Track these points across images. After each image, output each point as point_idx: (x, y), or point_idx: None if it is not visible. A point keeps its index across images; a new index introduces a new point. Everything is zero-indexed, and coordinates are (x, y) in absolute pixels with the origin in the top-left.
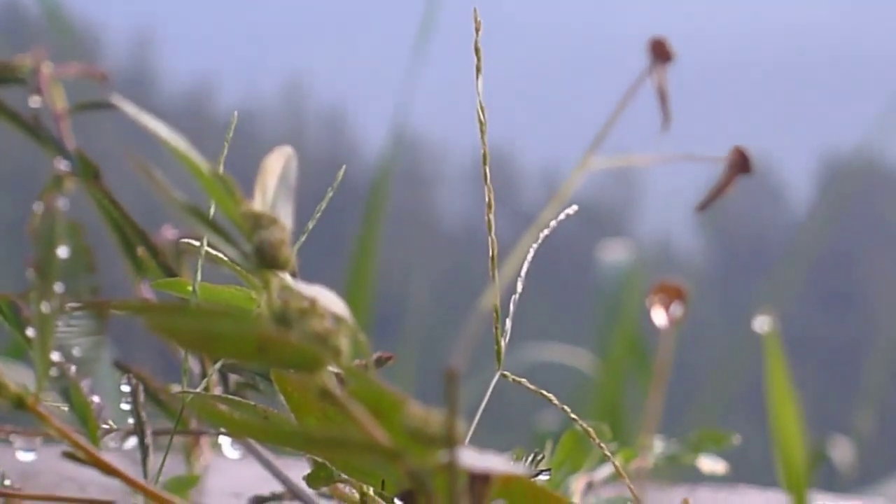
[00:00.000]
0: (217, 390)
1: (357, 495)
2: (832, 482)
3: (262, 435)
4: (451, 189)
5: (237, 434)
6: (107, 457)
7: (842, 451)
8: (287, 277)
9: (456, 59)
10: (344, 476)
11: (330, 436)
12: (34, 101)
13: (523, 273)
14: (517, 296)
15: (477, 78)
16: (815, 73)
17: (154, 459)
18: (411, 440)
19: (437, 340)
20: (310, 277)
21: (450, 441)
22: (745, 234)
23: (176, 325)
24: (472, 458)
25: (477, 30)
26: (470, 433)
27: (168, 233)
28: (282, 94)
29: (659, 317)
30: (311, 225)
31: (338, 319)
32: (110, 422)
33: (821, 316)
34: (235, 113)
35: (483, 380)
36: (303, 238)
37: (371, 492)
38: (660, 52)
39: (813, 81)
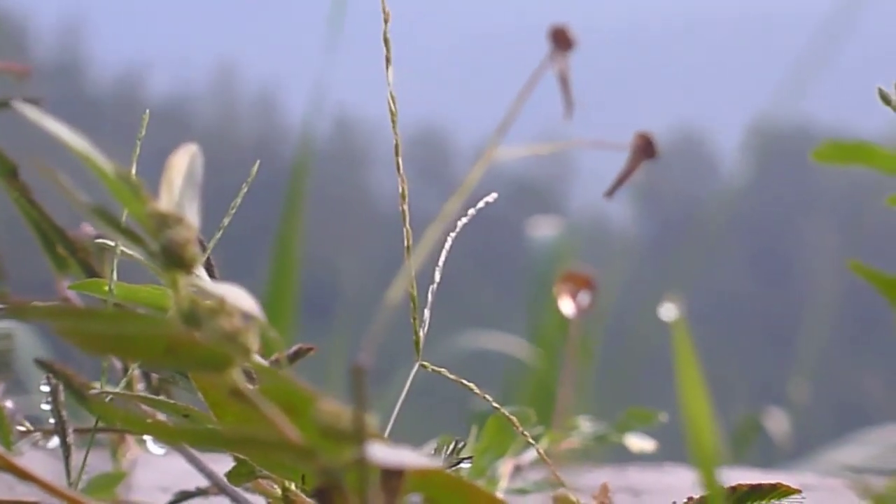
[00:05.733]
0: (140, 387)
1: (279, 490)
2: (768, 454)
3: (173, 436)
4: (387, 170)
5: (150, 435)
6: (33, 457)
7: (777, 423)
8: (200, 276)
9: (392, 38)
10: (265, 472)
11: (243, 435)
12: None
13: (441, 263)
14: (435, 286)
15: (387, 68)
16: (740, 40)
17: (79, 457)
18: (323, 437)
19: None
20: (246, 267)
21: (359, 437)
22: (679, 206)
23: (84, 329)
24: (383, 454)
25: (385, 20)
26: (406, 420)
27: (88, 230)
28: (213, 79)
29: (566, 306)
30: (226, 221)
31: (248, 317)
32: (26, 423)
33: (754, 285)
34: (147, 111)
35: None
36: (218, 235)
37: (293, 486)
38: (561, 40)
39: (738, 48)
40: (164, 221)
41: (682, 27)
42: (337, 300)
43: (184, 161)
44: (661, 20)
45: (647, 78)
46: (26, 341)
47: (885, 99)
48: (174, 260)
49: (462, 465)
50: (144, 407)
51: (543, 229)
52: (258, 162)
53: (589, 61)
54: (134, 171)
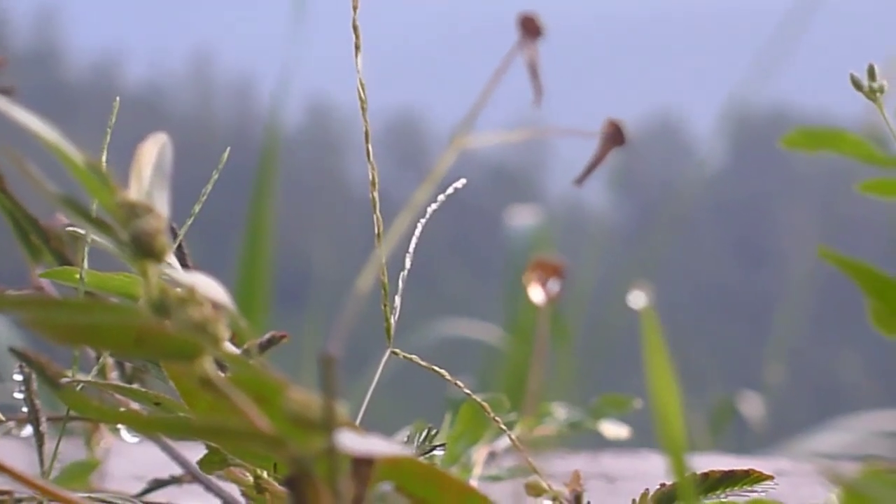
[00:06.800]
0: (113, 375)
1: (251, 478)
2: (743, 438)
3: (145, 425)
4: (363, 155)
5: (122, 424)
6: (6, 445)
7: (752, 407)
8: (172, 264)
9: (368, 21)
10: (237, 460)
11: (214, 424)
12: None
13: (411, 250)
14: (405, 273)
15: (356, 56)
16: (715, 25)
17: (52, 445)
18: (293, 426)
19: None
20: (223, 254)
21: (329, 426)
22: (656, 192)
23: (52, 320)
24: (353, 442)
25: (354, 7)
26: (383, 408)
27: (61, 219)
28: (190, 66)
29: (536, 294)
30: (197, 208)
31: (218, 306)
32: None
33: (731, 269)
34: (119, 99)
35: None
36: (189, 222)
37: (265, 474)
38: (529, 28)
39: (714, 34)
40: (134, 211)
41: (657, 13)
42: (312, 287)
43: (153, 151)
44: (635, 7)
45: (626, 65)
46: (2, 329)
47: (858, 85)
48: (143, 249)
49: (435, 452)
50: (117, 396)
51: (521, 217)
52: (229, 149)
53: (566, 48)
54: (105, 159)
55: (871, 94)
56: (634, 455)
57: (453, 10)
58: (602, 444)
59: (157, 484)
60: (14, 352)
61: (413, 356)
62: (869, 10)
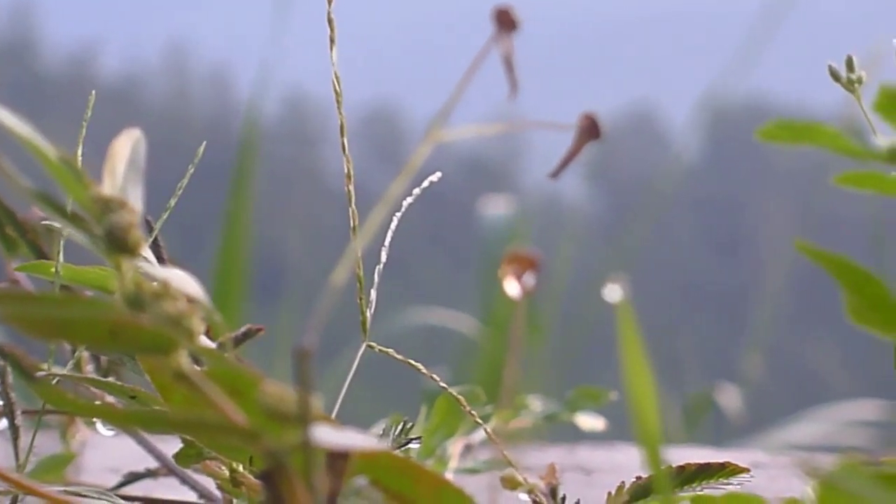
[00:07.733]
0: (89, 368)
1: (227, 472)
2: (721, 430)
3: (121, 419)
4: (339, 147)
5: (98, 418)
6: None
7: (730, 399)
8: (147, 258)
9: (346, 15)
10: (213, 453)
11: (188, 418)
12: None
13: (387, 244)
14: (381, 266)
15: (331, 48)
16: (693, 16)
17: (28, 439)
18: (268, 419)
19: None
20: (201, 247)
21: (304, 419)
22: (632, 184)
23: (27, 314)
24: (328, 436)
25: (329, 0)
26: (361, 400)
27: (38, 212)
28: (166, 57)
29: (511, 287)
30: (173, 202)
31: (192, 300)
32: None
33: (708, 261)
34: (94, 92)
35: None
36: (165, 216)
37: (241, 468)
38: (504, 21)
39: (691, 25)
40: (107, 206)
41: (633, 7)
42: (288, 280)
43: (127, 145)
44: (611, 1)
45: (601, 58)
46: None
47: (836, 76)
48: (117, 244)
49: (411, 445)
50: (93, 389)
51: (495, 207)
52: (205, 143)
53: (542, 42)
54: (81, 152)
55: (850, 86)
56: (610, 448)
57: (430, 4)
58: (578, 436)
59: (133, 477)
60: None
61: (389, 349)
62: (845, 4)
